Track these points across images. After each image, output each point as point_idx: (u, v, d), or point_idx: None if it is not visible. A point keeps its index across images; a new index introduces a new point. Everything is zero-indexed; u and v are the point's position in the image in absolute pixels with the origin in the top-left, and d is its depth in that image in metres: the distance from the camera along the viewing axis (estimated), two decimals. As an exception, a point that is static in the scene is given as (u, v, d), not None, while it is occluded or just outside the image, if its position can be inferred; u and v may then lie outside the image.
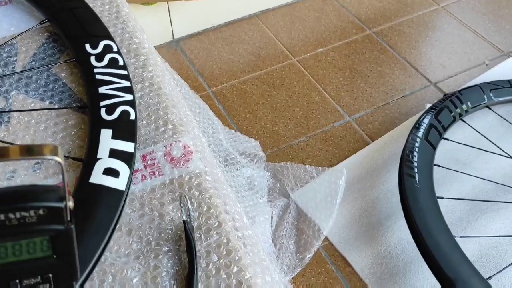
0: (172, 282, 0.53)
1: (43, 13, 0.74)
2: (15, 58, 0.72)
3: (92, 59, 0.67)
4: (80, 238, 0.44)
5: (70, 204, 0.33)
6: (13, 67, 0.71)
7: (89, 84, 0.65)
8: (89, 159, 0.57)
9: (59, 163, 0.31)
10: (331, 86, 1.65)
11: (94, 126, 0.60)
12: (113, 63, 0.67)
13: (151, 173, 0.61)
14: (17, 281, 0.35)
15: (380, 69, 1.74)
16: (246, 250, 0.57)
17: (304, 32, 1.87)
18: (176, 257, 0.55)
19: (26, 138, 0.63)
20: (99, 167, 0.57)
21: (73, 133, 0.64)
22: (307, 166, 1.23)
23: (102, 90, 0.64)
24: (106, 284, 0.52)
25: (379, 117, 1.53)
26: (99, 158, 0.57)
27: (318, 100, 1.59)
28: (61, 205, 0.32)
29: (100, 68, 0.67)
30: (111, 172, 0.56)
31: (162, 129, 0.66)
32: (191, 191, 0.60)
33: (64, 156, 0.61)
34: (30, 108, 0.66)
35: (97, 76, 0.66)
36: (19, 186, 0.33)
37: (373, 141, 1.43)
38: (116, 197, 0.55)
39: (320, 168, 1.23)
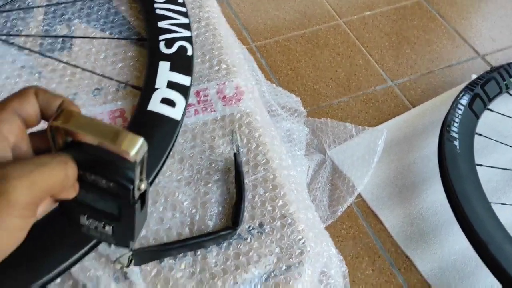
0: (220, 209, 0.56)
1: None
2: (78, -11, 0.75)
3: None
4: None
5: (143, 186, 0.35)
6: (76, -1, 0.73)
7: (149, 18, 0.67)
8: (147, 88, 0.60)
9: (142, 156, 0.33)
10: (376, 50, 1.63)
11: (153, 58, 0.63)
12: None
13: (204, 109, 0.64)
14: (86, 216, 0.37)
15: (428, 37, 1.71)
16: (290, 188, 0.60)
17: (352, -6, 1.84)
18: (224, 187, 0.58)
19: (87, 64, 0.66)
20: (156, 96, 0.59)
21: (131, 63, 0.67)
22: (347, 124, 1.24)
23: (162, 24, 0.66)
24: (158, 204, 0.55)
25: (422, 85, 1.52)
26: (157, 88, 0.60)
27: (361, 63, 1.58)
28: (130, 186, 0.33)
29: (160, 3, 0.69)
30: (168, 102, 0.59)
31: (216, 68, 0.68)
32: (241, 129, 0.62)
33: (123, 83, 0.64)
34: (92, 36, 0.69)
35: (157, 11, 0.67)
36: (103, 150, 0.34)
37: (414, 107, 1.42)
38: (172, 125, 0.58)
39: (360, 127, 1.23)
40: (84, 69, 0.65)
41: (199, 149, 0.60)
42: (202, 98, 0.65)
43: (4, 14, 0.68)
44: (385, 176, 1.21)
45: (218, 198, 0.57)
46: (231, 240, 0.54)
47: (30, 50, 0.65)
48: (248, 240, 0.54)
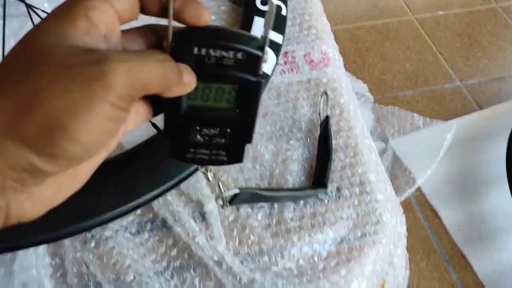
0: (299, 167, 0.56)
1: None
2: None
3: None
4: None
5: (265, 57, 0.32)
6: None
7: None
8: (240, 40, 0.60)
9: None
10: (446, 49, 1.60)
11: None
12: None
13: (290, 69, 0.64)
14: (198, 128, 0.34)
15: (501, 44, 1.65)
16: (370, 157, 0.59)
17: (427, -8, 1.80)
18: (306, 147, 0.57)
19: (180, 14, 0.66)
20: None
21: (223, 17, 0.67)
22: (415, 114, 1.22)
23: (258, -19, 0.66)
24: (240, 153, 0.55)
25: (492, 89, 1.47)
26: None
27: (431, 60, 1.54)
28: (260, 53, 0.31)
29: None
30: (260, 55, 0.59)
31: (306, 32, 0.67)
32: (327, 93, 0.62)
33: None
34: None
35: (255, -31, 0.67)
36: (224, 27, 0.33)
37: (481, 109, 1.38)
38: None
39: (428, 119, 1.21)
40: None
41: (283, 107, 0.60)
42: (289, 59, 0.64)
43: None
44: (447, 172, 1.18)
45: (299, 157, 0.56)
46: (308, 199, 0.53)
47: None
48: (325, 201, 0.54)
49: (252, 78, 0.33)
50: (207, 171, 0.45)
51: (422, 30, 1.65)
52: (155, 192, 0.48)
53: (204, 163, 0.37)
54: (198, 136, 0.35)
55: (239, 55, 0.31)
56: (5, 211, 0.28)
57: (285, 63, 0.64)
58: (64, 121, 0.26)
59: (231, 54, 0.31)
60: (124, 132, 0.31)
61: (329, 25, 0.74)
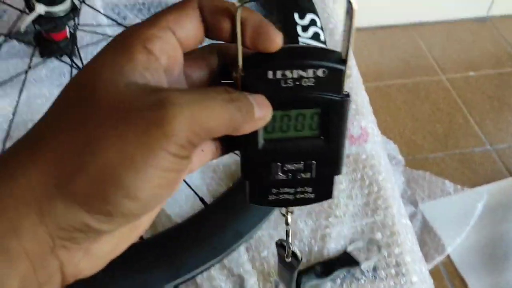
0: (337, 243, 0.57)
1: (259, -22, 0.80)
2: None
3: (298, 28, 0.72)
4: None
5: (349, 72, 0.30)
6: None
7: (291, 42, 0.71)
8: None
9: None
10: (477, 111, 1.61)
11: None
12: (316, 36, 0.72)
13: (329, 144, 0.66)
14: (279, 164, 0.31)
15: (532, 108, 1.66)
16: (407, 237, 0.60)
17: (457, 52, 1.82)
18: (344, 223, 0.59)
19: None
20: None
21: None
22: (446, 181, 1.22)
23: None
24: (280, 229, 0.57)
25: (522, 154, 1.48)
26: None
27: (461, 122, 1.56)
28: (343, 67, 0.28)
29: (304, 38, 0.72)
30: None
31: (346, 107, 0.70)
32: (365, 170, 0.64)
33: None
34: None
35: (300, 43, 0.71)
36: (299, 45, 0.32)
37: (511, 176, 1.38)
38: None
39: (459, 186, 1.21)
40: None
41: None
42: (329, 133, 0.67)
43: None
44: (476, 240, 1.18)
45: (337, 234, 0.58)
46: (344, 277, 0.55)
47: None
48: (362, 281, 0.55)
49: (336, 97, 0.29)
50: (287, 213, 0.39)
51: (453, 90, 1.67)
52: (202, 267, 0.50)
53: (289, 204, 0.34)
54: (280, 174, 0.31)
55: (320, 73, 0.28)
56: (60, 273, 0.25)
57: (325, 137, 0.66)
58: (120, 175, 0.23)
59: (310, 72, 0.28)
60: (188, 173, 0.28)
61: (368, 98, 0.76)
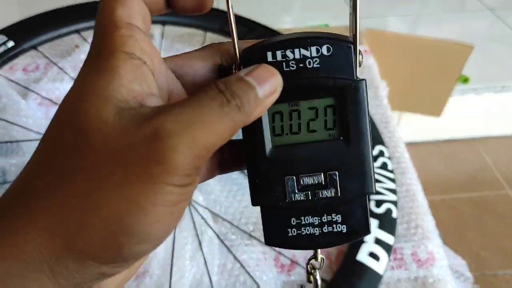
0: None
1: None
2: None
3: None
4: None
5: (360, 58, 0.26)
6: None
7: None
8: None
9: None
10: (547, 227, 1.59)
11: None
12: (384, 166, 0.81)
13: (398, 266, 0.72)
14: (294, 177, 0.27)
15: None
16: None
17: (524, 166, 1.84)
18: None
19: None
20: (365, 248, 0.69)
21: (341, 213, 0.79)
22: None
23: (373, 186, 0.78)
24: None
25: None
26: (365, 241, 0.70)
27: (530, 238, 1.55)
28: (349, 42, 0.26)
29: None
30: (374, 256, 0.68)
31: (413, 231, 0.77)
32: (432, 293, 0.69)
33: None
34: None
35: (371, 174, 0.80)
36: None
37: None
38: (375, 278, 0.67)
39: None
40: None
41: (392, 303, 0.68)
42: (398, 256, 0.73)
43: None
44: None
45: None
46: None
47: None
48: None
49: (349, 79, 0.26)
50: (314, 269, 0.31)
51: (520, 205, 1.68)
52: None
53: (315, 243, 0.28)
54: (297, 192, 0.27)
55: (325, 50, 0.25)
56: None
57: (394, 259, 0.73)
58: (130, 223, 0.22)
59: (313, 51, 0.25)
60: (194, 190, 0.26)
61: (434, 222, 0.82)
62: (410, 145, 1.92)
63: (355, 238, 0.28)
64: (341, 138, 0.27)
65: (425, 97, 1.49)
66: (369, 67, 1.05)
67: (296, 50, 0.25)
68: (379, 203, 0.75)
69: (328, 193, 0.27)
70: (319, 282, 0.30)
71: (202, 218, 0.70)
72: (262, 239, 0.72)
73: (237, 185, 0.79)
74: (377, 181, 0.78)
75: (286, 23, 1.85)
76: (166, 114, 0.22)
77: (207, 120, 0.23)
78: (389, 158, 0.83)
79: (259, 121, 0.26)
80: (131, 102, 0.23)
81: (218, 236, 0.70)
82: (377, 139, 0.85)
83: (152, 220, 0.22)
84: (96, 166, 0.22)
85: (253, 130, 0.27)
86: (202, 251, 0.67)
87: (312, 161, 0.26)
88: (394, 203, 0.76)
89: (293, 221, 0.27)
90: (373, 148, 0.27)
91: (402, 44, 1.22)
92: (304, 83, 0.26)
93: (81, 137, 0.22)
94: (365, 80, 0.26)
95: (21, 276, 0.21)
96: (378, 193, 0.77)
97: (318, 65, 0.26)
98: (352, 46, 0.26)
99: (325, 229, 0.27)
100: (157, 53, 0.26)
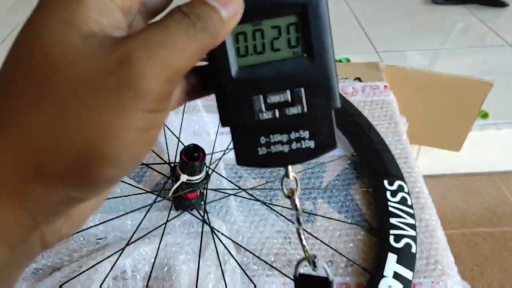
0: None
1: (354, 147, 0.94)
2: (323, 174, 0.93)
3: (388, 193, 0.84)
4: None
5: None
6: (321, 181, 0.91)
7: (382, 213, 0.81)
8: (376, 274, 0.72)
9: None
10: None
11: (383, 248, 0.75)
12: (403, 201, 0.83)
13: (417, 301, 0.73)
14: (261, 96, 0.27)
15: None
16: None
17: (545, 202, 1.83)
18: None
19: (324, 238, 0.81)
20: (384, 284, 0.70)
21: (359, 246, 0.80)
22: None
23: (393, 221, 0.79)
24: None
25: None
26: (385, 276, 0.71)
27: (552, 276, 1.53)
28: None
29: (393, 203, 0.83)
30: (393, 290, 0.70)
31: (432, 266, 0.78)
32: (451, 329, 0.69)
33: (352, 262, 0.77)
34: (330, 216, 0.85)
35: (390, 209, 0.81)
36: None
37: None
38: (394, 312, 0.67)
39: None
40: (322, 242, 0.79)
41: (411, 338, 0.68)
42: (417, 291, 0.74)
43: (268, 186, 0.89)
44: None
45: None
46: None
47: (285, 217, 0.82)
48: None
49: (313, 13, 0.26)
50: (292, 193, 0.32)
51: (542, 242, 1.66)
52: None
53: (285, 160, 0.28)
54: (265, 110, 0.27)
55: None
56: (40, 242, 0.25)
57: (414, 294, 0.74)
58: (100, 146, 0.22)
59: None
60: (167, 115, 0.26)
61: (453, 259, 0.83)
62: (429, 177, 1.94)
63: (323, 153, 0.28)
64: (305, 55, 0.27)
65: (445, 132, 1.50)
66: (389, 102, 1.08)
67: None
68: (398, 238, 0.76)
69: (295, 110, 0.27)
70: (298, 205, 0.31)
71: (225, 248, 0.73)
72: (284, 270, 0.74)
73: (259, 216, 0.82)
74: (396, 215, 0.80)
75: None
76: (135, 39, 0.22)
77: (175, 42, 0.23)
78: (408, 193, 0.84)
79: (223, 43, 0.26)
80: (99, 34, 0.23)
81: (240, 266, 0.72)
82: (397, 174, 0.87)
83: (122, 144, 0.22)
84: (65, 92, 0.22)
85: (218, 52, 0.27)
86: (225, 280, 0.69)
87: (277, 80, 0.27)
88: (413, 238, 0.78)
89: (262, 140, 0.28)
90: (335, 64, 0.27)
91: (422, 80, 1.24)
92: (265, 2, 0.26)
93: (47, 63, 0.22)
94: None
95: None
96: (397, 227, 0.78)
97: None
98: None
99: (293, 146, 0.28)
100: None
